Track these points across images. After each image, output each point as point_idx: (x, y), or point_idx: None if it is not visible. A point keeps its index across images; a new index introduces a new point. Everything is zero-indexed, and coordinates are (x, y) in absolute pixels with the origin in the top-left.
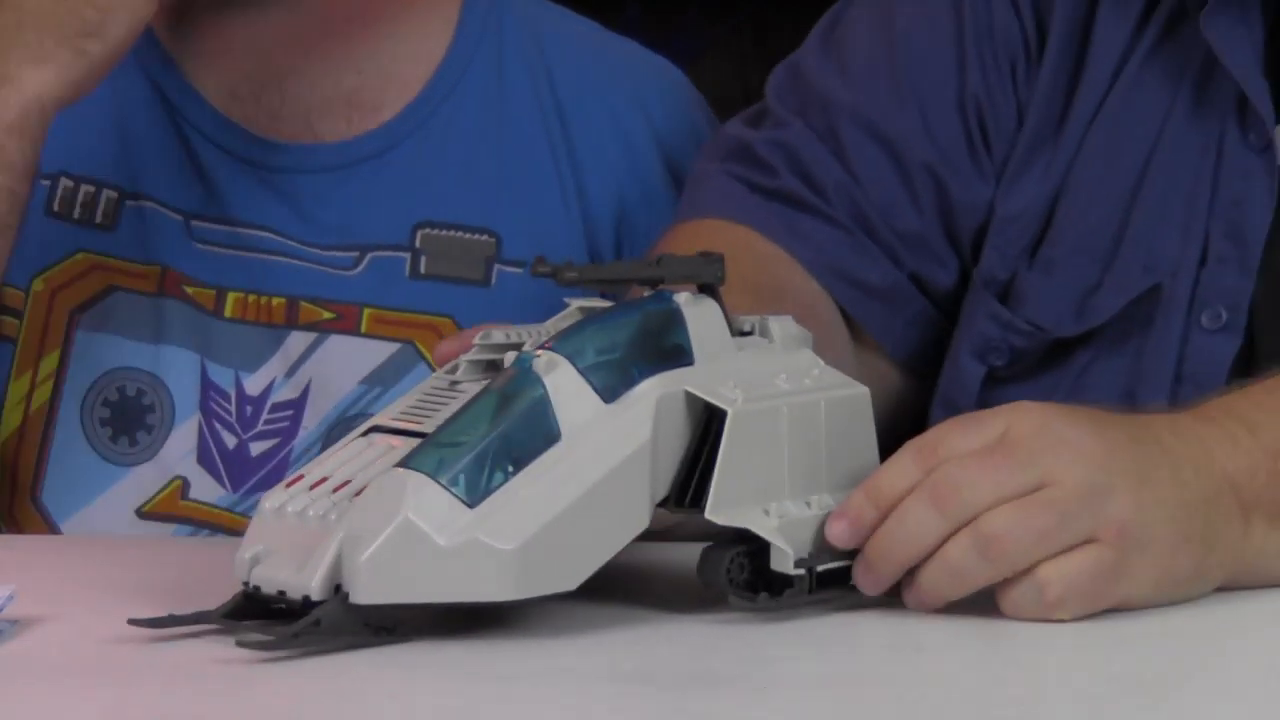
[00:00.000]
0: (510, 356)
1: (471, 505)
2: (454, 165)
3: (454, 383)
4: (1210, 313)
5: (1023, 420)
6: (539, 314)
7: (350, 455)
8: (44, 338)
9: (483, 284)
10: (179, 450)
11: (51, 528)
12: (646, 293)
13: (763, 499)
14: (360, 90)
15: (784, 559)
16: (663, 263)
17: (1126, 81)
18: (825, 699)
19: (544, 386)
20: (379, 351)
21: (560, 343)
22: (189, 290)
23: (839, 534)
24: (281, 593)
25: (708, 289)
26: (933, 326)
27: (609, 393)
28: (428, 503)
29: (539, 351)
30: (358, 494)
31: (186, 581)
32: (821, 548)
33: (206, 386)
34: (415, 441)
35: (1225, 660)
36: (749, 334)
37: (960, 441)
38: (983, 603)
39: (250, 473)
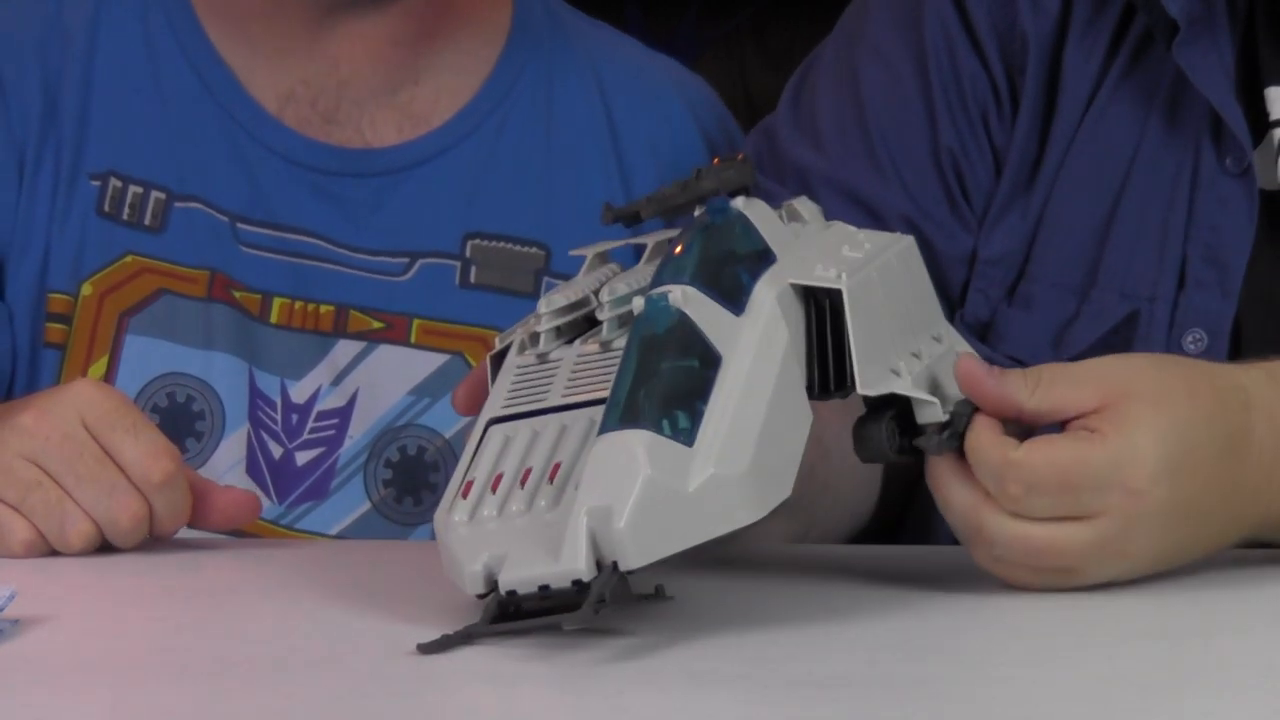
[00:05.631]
0: (611, 307)
1: (690, 445)
2: (505, 174)
3: (541, 355)
4: (1191, 336)
5: (1109, 440)
6: None
7: (498, 449)
8: (92, 343)
9: (531, 296)
10: (228, 460)
11: None
12: (698, 210)
13: (887, 363)
14: (415, 100)
15: (932, 409)
16: (703, 176)
17: (1097, 112)
18: (825, 699)
19: (689, 317)
20: (428, 362)
21: (672, 275)
22: (236, 295)
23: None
24: (544, 587)
25: (743, 191)
26: None
27: (736, 306)
28: (658, 455)
29: (668, 288)
30: (551, 477)
31: (187, 582)
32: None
33: (254, 395)
34: (552, 419)
35: (1225, 660)
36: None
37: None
38: (983, 603)
39: (296, 484)
